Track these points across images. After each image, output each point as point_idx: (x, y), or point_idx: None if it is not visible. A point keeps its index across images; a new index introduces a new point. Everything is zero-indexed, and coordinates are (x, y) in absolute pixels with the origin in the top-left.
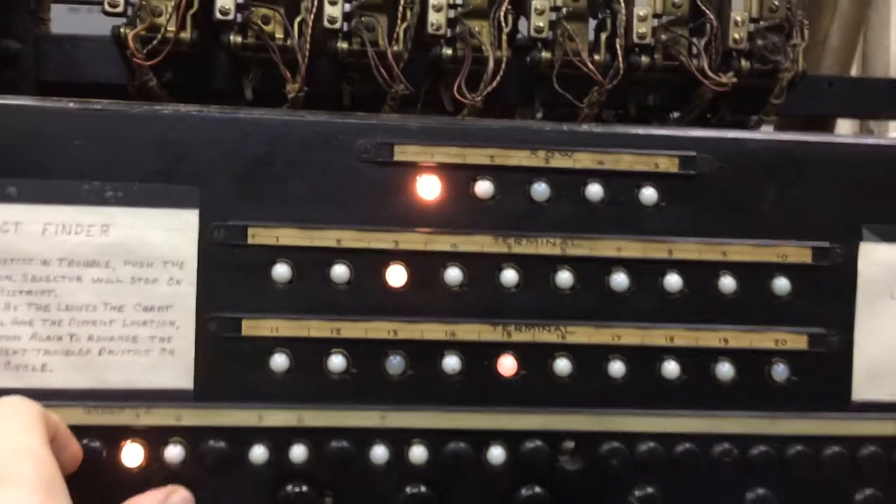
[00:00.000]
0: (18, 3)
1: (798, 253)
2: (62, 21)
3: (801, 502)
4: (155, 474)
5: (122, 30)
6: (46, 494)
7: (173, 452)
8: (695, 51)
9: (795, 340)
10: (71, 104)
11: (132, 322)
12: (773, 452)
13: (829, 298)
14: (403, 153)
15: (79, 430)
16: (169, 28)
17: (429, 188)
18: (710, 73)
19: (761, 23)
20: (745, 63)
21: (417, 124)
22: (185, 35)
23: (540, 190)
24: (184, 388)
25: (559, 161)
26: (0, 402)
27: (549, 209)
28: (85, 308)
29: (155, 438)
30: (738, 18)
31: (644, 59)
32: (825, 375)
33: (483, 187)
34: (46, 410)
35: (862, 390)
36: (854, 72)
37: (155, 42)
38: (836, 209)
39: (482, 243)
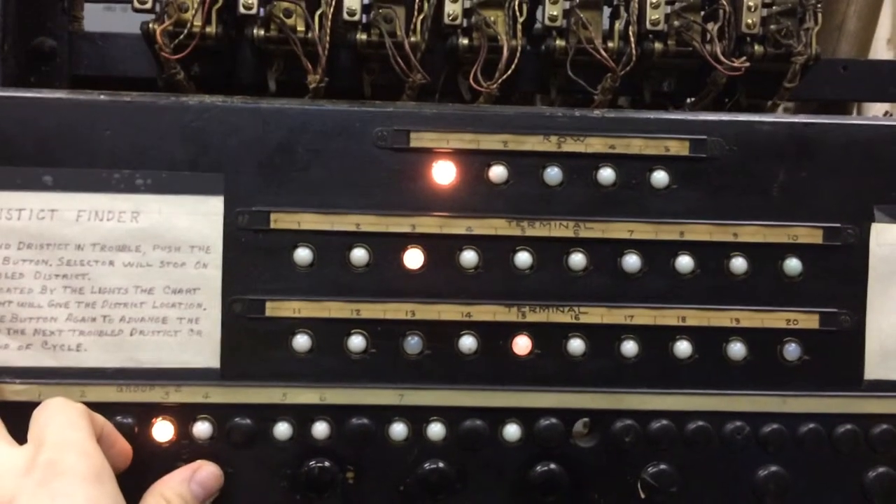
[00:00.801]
0: (53, 2)
1: (809, 234)
2: (96, 20)
3: (812, 480)
4: (184, 449)
5: (150, 25)
6: (94, 483)
7: (201, 428)
8: (708, 37)
9: (807, 320)
10: (102, 96)
11: (161, 304)
12: (784, 430)
13: (841, 278)
14: (419, 140)
15: (112, 408)
16: (195, 23)
17: (444, 173)
18: (722, 59)
19: (774, 7)
20: (758, 48)
21: (432, 111)
22: (211, 29)
23: (553, 174)
24: (211, 367)
25: (571, 146)
26: (47, 403)
27: (561, 193)
28: (117, 290)
29: (184, 415)
30: (751, 3)
31: (657, 45)
32: (837, 354)
33: (497, 172)
34: (91, 411)
35: (874, 369)
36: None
37: (182, 37)
38: (848, 190)
39: (496, 226)
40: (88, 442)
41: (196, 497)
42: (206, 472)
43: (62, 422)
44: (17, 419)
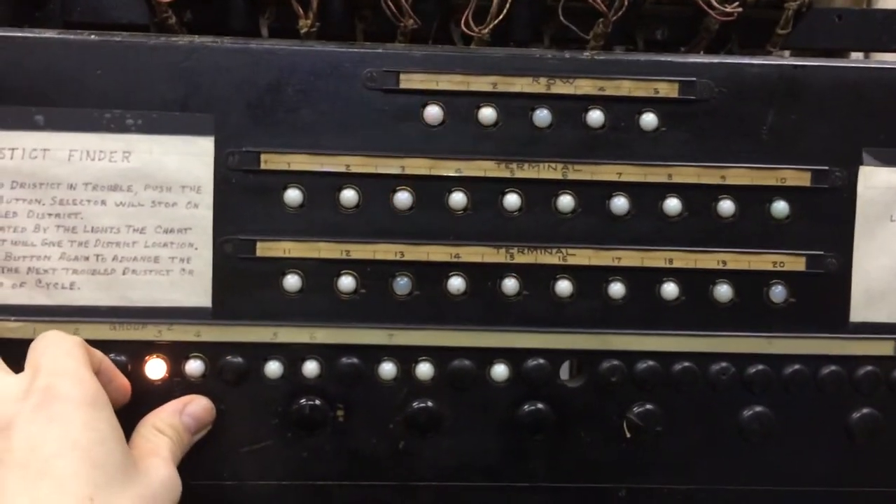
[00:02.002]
0: None
1: (797, 176)
2: None
3: (797, 420)
4: (177, 387)
5: None
6: (90, 408)
7: (193, 366)
8: None
9: (793, 262)
10: (92, 36)
11: (153, 243)
12: (770, 372)
13: (828, 221)
14: (409, 81)
15: (105, 345)
16: None
17: (433, 115)
18: (715, 4)
19: None
20: None
21: (422, 53)
22: None
23: (542, 116)
24: (203, 306)
25: (560, 88)
26: (44, 334)
27: (550, 135)
28: (109, 230)
29: (176, 353)
30: None
31: None
32: (823, 297)
33: (486, 114)
34: (90, 347)
35: (860, 311)
36: None
37: None
38: (836, 133)
39: (485, 168)
40: (84, 370)
41: (188, 428)
42: (197, 405)
43: (58, 351)
44: (12, 356)
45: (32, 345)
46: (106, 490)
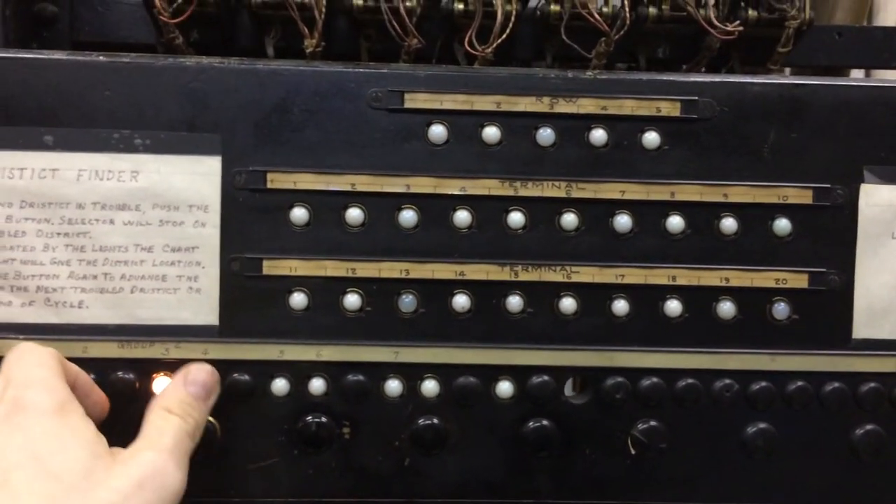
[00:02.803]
0: None
1: (799, 194)
2: None
3: (801, 437)
4: None
5: None
6: (56, 415)
7: None
8: (702, 1)
9: (796, 279)
10: (101, 58)
11: (161, 262)
12: (773, 388)
13: (830, 238)
14: (413, 101)
15: (113, 364)
16: None
17: (438, 134)
18: (716, 23)
19: None
20: (752, 12)
21: (427, 73)
22: None
23: (545, 135)
24: (210, 324)
25: (564, 107)
26: (18, 346)
27: (554, 153)
28: (117, 249)
29: None
30: None
31: (651, 10)
32: (825, 314)
33: (490, 133)
34: (66, 360)
35: (862, 328)
36: None
37: (180, 1)
38: (837, 151)
39: (490, 187)
40: (54, 378)
41: (197, 397)
42: (198, 371)
43: (30, 361)
44: None
45: (6, 357)
46: (62, 502)
